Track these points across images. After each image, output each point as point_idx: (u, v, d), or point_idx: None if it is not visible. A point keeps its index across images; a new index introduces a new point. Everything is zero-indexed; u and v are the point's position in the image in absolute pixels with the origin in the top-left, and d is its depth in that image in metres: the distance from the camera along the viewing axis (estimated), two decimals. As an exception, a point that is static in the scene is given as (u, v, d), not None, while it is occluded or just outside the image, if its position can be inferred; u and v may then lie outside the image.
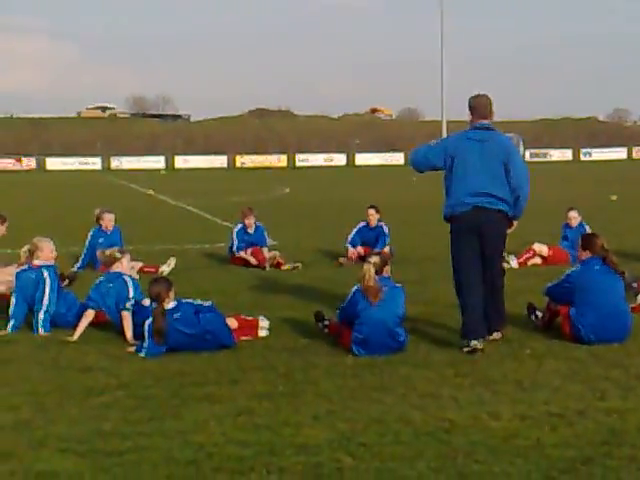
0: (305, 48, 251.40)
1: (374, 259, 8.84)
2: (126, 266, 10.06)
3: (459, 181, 9.10)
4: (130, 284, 9.71)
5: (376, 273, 8.73)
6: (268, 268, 14.85)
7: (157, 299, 8.90)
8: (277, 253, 15.31)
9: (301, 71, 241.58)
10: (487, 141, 9.13)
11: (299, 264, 14.96)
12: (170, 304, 8.92)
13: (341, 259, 15.47)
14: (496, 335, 9.26)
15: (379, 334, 8.59)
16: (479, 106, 9.29)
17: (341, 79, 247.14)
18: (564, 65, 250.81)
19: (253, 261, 15.11)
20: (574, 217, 15.18)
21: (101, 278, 9.98)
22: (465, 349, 8.74)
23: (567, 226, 15.22)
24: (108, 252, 9.88)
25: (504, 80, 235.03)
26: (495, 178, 9.08)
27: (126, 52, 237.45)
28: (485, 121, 9.25)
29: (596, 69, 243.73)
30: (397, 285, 8.88)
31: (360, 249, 15.53)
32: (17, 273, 10.26)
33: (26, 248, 10.17)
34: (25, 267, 10.17)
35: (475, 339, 8.75)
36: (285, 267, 14.87)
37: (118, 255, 9.85)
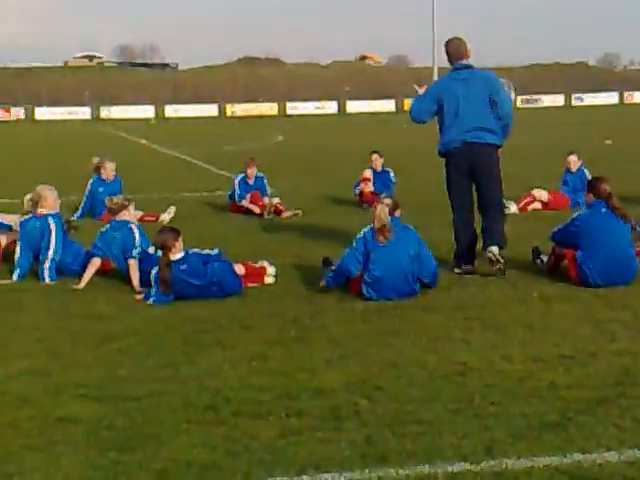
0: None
1: (387, 200, 8.81)
2: (132, 214, 10.04)
3: (450, 120, 9.81)
4: (136, 232, 9.69)
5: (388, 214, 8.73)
6: (267, 215, 14.82)
7: (163, 249, 8.88)
8: (277, 199, 15.24)
9: (288, 18, 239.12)
10: (470, 79, 9.85)
11: (299, 211, 14.94)
12: (177, 255, 8.90)
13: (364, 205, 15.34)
14: (495, 249, 9.62)
15: (392, 274, 8.59)
16: (454, 49, 9.99)
17: (329, 26, 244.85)
18: (553, 9, 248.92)
19: (256, 209, 15.05)
20: (573, 161, 15.17)
21: (107, 226, 9.96)
22: (457, 271, 9.75)
23: (567, 170, 15.21)
24: (115, 199, 9.84)
25: (493, 25, 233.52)
26: (483, 112, 9.80)
27: (112, 0, 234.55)
28: (463, 61, 9.95)
29: (586, 13, 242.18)
30: (408, 226, 8.86)
31: (370, 189, 15.51)
32: (21, 222, 10.22)
33: (29, 197, 10.11)
34: (29, 216, 10.13)
35: (466, 265, 9.79)
36: (285, 214, 14.85)
37: (125, 203, 9.81)
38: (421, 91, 10.16)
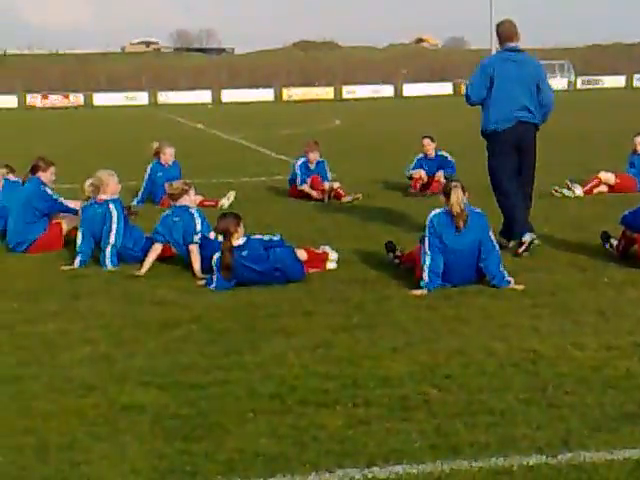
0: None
1: (459, 183, 8.57)
2: (193, 199, 9.96)
3: (503, 98, 10.00)
4: (197, 217, 9.61)
5: None
6: (327, 200, 14.66)
7: (225, 234, 8.79)
8: (337, 184, 15.07)
9: (344, 1, 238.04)
10: (522, 61, 10.17)
11: (359, 195, 14.76)
12: (239, 240, 8.81)
13: (409, 189, 15.21)
14: (528, 237, 9.74)
15: (462, 260, 8.40)
16: (506, 31, 10.25)
17: (385, 8, 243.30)
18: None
19: (315, 194, 14.92)
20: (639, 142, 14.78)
21: (168, 212, 9.90)
22: (523, 245, 9.69)
23: (634, 152, 14.84)
24: (175, 185, 9.76)
25: (553, 5, 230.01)
26: (531, 94, 10.12)
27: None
28: (512, 43, 10.22)
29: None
30: (478, 210, 8.64)
31: (423, 175, 15.31)
32: (83, 208, 10.21)
33: (90, 182, 10.08)
34: (90, 202, 10.10)
35: (528, 232, 9.77)
36: (345, 199, 14.69)
37: (185, 188, 9.74)
38: None
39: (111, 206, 9.92)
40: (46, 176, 11.21)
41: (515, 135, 10.05)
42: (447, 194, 8.45)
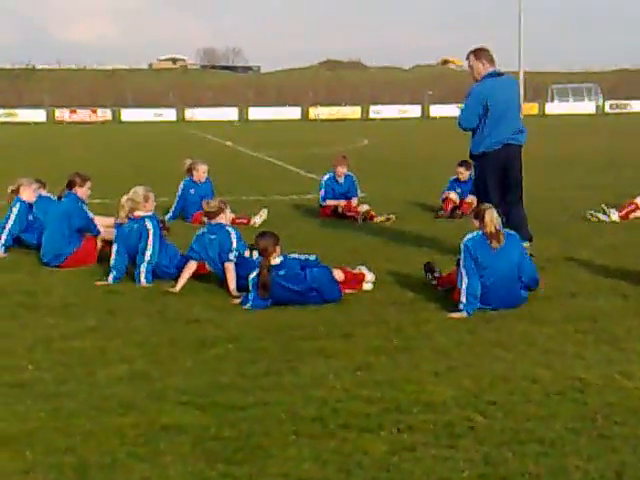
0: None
1: (492, 206, 8.49)
2: (229, 217, 9.90)
3: (495, 123, 10.49)
4: (233, 235, 9.54)
5: None
6: (361, 222, 14.54)
7: (263, 253, 8.71)
8: (367, 206, 14.98)
9: (370, 22, 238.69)
10: (509, 84, 10.89)
11: (392, 215, 14.65)
12: (276, 259, 8.73)
13: (440, 212, 15.12)
14: (525, 244, 9.77)
15: (501, 282, 8.28)
16: (489, 55, 10.74)
17: (411, 30, 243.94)
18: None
19: (341, 204, 14.84)
20: (677, 169, 14.60)
21: (203, 229, 9.83)
22: None
23: (670, 178, 14.66)
24: (213, 203, 9.70)
25: (580, 29, 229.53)
26: (518, 115, 10.90)
27: (196, 3, 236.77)
28: (495, 67, 10.78)
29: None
30: (510, 231, 8.55)
31: (455, 197, 15.20)
32: (117, 224, 10.15)
33: (127, 198, 10.02)
34: (126, 221, 10.00)
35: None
36: (379, 219, 14.58)
37: (222, 206, 9.67)
38: None
39: (147, 223, 9.86)
40: (83, 191, 11.20)
41: (503, 155, 10.60)
42: (481, 217, 8.40)
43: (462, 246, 8.40)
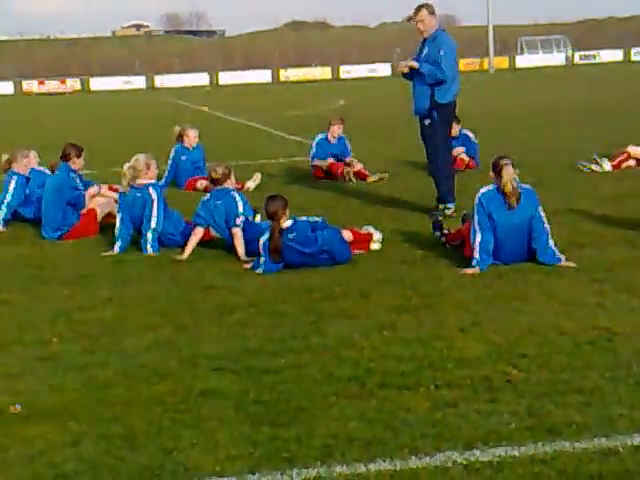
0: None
1: (510, 160, 8.42)
2: (234, 182, 9.85)
3: (457, 72, 11.15)
4: (239, 200, 9.50)
5: None
6: (354, 181, 14.52)
7: (273, 217, 8.69)
8: (361, 165, 14.95)
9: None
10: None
11: (385, 174, 14.64)
12: (286, 223, 8.71)
13: None
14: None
15: (514, 238, 8.30)
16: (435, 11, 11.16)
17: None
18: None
19: (326, 165, 14.85)
20: (665, 117, 14.68)
21: (208, 195, 9.78)
22: (447, 211, 10.89)
23: (660, 126, 14.74)
24: (219, 170, 9.62)
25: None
26: None
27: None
28: None
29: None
30: (527, 187, 8.52)
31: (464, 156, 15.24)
32: (121, 193, 10.09)
33: (129, 166, 9.92)
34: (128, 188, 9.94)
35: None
36: (371, 179, 14.57)
37: (226, 172, 9.61)
38: (407, 67, 11.07)
39: (151, 190, 9.79)
40: (78, 162, 11.10)
41: (455, 105, 11.32)
42: (498, 172, 8.32)
43: (476, 200, 8.38)
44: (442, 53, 10.84)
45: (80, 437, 4.97)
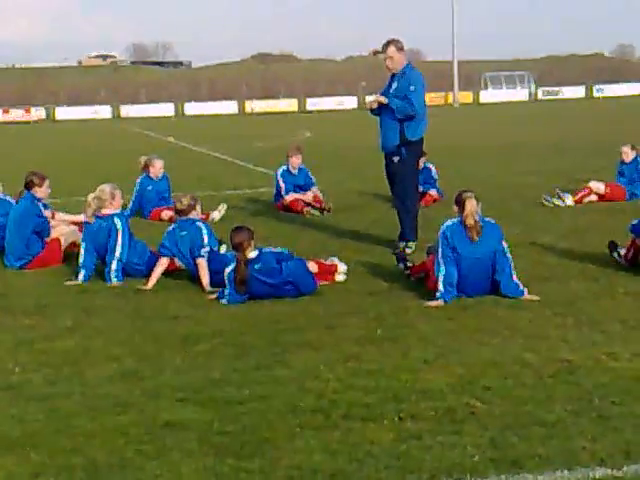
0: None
1: (472, 193, 8.51)
2: (199, 212, 9.85)
3: (425, 109, 11.01)
4: (204, 231, 9.50)
5: None
6: (317, 214, 14.54)
7: (239, 248, 8.69)
8: (318, 193, 15.12)
9: (299, 14, 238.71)
10: None
11: (330, 205, 14.71)
12: (252, 254, 8.72)
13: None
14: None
15: (477, 271, 8.36)
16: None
17: (341, 22, 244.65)
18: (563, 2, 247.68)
19: (308, 198, 14.86)
20: (627, 152, 14.90)
21: (174, 225, 9.77)
22: (408, 250, 10.60)
23: (622, 162, 14.95)
24: (184, 200, 9.61)
25: (505, 17, 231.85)
26: None
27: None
28: None
29: (597, 4, 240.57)
30: (491, 221, 8.60)
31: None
32: (85, 222, 10.05)
33: (94, 196, 9.90)
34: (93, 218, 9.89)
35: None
36: (325, 205, 14.64)
37: (192, 202, 9.61)
38: (376, 102, 10.99)
39: (116, 220, 9.76)
40: (42, 191, 11.03)
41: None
42: (461, 204, 8.41)
43: (440, 234, 8.45)
44: (412, 89, 10.78)
45: (41, 468, 4.92)
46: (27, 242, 10.77)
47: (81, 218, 10.67)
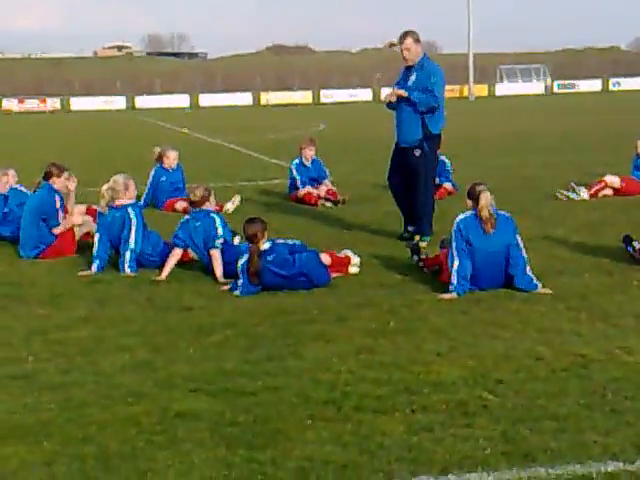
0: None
1: (485, 186, 8.48)
2: (213, 204, 9.85)
3: (444, 104, 10.98)
4: (218, 222, 9.51)
5: None
6: (331, 206, 14.56)
7: (252, 239, 8.70)
8: (331, 186, 15.15)
9: (316, 4, 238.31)
10: None
11: (347, 196, 14.74)
12: (265, 245, 8.72)
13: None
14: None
15: (491, 264, 8.34)
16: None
17: (356, 13, 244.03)
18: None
19: (322, 192, 14.86)
20: (643, 146, 14.80)
21: (188, 216, 9.78)
22: (423, 243, 10.37)
23: (637, 156, 14.86)
24: (198, 192, 9.62)
25: (521, 10, 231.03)
26: None
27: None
28: None
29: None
30: (505, 213, 8.58)
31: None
32: (99, 213, 10.06)
33: (108, 186, 9.92)
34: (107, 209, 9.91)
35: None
36: (339, 197, 14.67)
37: (206, 194, 9.61)
38: (395, 96, 10.95)
39: (130, 210, 9.78)
40: (60, 182, 11.05)
41: None
42: (475, 197, 8.39)
43: (454, 226, 8.43)
44: (434, 80, 10.73)
45: (54, 457, 4.95)
46: (42, 232, 10.80)
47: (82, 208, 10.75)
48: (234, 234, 10.07)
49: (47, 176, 11.02)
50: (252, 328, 7.51)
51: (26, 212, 10.98)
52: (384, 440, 5.08)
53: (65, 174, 11.08)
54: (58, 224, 10.93)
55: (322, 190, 14.98)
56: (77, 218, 11.24)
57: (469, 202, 8.50)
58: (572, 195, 14.14)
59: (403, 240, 10.96)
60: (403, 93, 10.79)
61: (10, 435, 5.27)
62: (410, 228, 11.17)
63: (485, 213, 8.31)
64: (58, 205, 11.06)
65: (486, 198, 8.30)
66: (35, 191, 11.24)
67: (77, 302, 8.54)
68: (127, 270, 9.68)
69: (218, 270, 9.32)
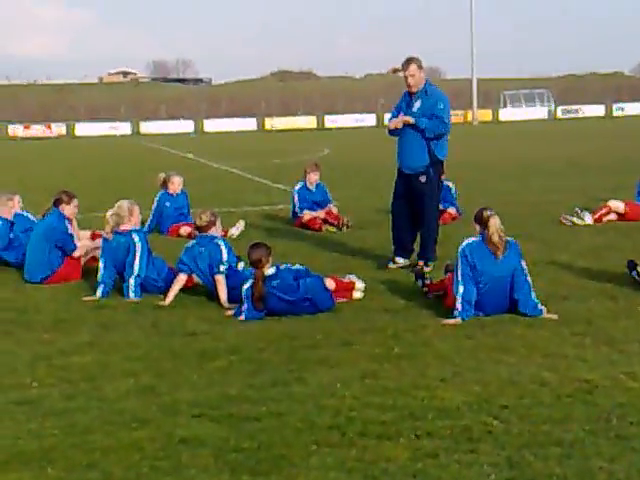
0: (322, 6, 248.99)
1: (493, 211, 8.50)
2: (219, 229, 9.86)
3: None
4: (223, 247, 9.52)
5: None
6: (344, 230, 14.60)
7: (257, 265, 8.71)
8: (335, 210, 15.24)
9: (319, 31, 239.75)
10: None
11: (349, 221, 14.82)
12: (269, 270, 8.73)
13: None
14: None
15: (497, 289, 8.34)
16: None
17: (360, 39, 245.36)
18: (584, 19, 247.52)
19: (320, 215, 14.90)
20: (647, 172, 14.83)
21: (193, 242, 9.80)
22: (427, 268, 10.57)
23: (642, 181, 14.88)
24: (204, 217, 9.64)
25: (525, 35, 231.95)
26: None
27: (142, 15, 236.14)
28: None
29: (616, 23, 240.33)
30: (510, 238, 8.58)
31: None
32: (103, 238, 10.08)
33: (113, 212, 9.96)
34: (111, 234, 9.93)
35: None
36: (342, 220, 14.73)
37: (212, 219, 9.63)
38: (401, 123, 10.87)
39: (134, 236, 9.80)
40: (69, 209, 11.09)
41: None
42: (484, 222, 8.40)
43: (459, 251, 8.43)
44: (441, 107, 10.72)
45: (57, 483, 4.94)
46: (49, 257, 10.80)
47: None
48: (238, 259, 10.08)
49: (57, 203, 11.05)
50: (256, 353, 7.50)
51: (34, 237, 11.00)
52: (389, 466, 5.06)
53: (75, 201, 11.11)
54: (75, 247, 10.94)
55: (323, 214, 15.02)
56: (91, 241, 11.31)
57: (477, 227, 8.50)
58: (577, 220, 14.15)
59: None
60: (410, 120, 10.74)
61: (14, 461, 5.26)
62: (400, 260, 11.10)
63: (496, 238, 8.31)
64: (70, 230, 11.09)
65: (495, 223, 8.31)
66: (44, 217, 11.26)
67: (81, 327, 8.54)
68: (131, 295, 9.69)
69: (223, 295, 9.32)
